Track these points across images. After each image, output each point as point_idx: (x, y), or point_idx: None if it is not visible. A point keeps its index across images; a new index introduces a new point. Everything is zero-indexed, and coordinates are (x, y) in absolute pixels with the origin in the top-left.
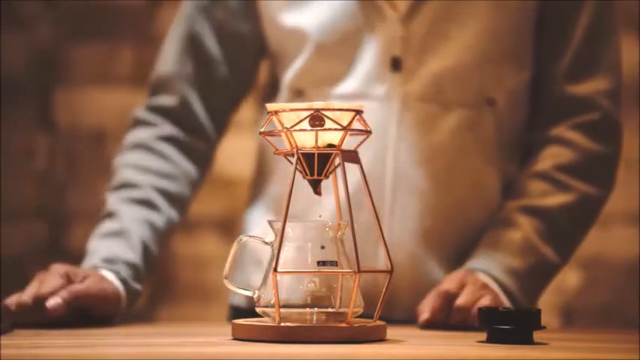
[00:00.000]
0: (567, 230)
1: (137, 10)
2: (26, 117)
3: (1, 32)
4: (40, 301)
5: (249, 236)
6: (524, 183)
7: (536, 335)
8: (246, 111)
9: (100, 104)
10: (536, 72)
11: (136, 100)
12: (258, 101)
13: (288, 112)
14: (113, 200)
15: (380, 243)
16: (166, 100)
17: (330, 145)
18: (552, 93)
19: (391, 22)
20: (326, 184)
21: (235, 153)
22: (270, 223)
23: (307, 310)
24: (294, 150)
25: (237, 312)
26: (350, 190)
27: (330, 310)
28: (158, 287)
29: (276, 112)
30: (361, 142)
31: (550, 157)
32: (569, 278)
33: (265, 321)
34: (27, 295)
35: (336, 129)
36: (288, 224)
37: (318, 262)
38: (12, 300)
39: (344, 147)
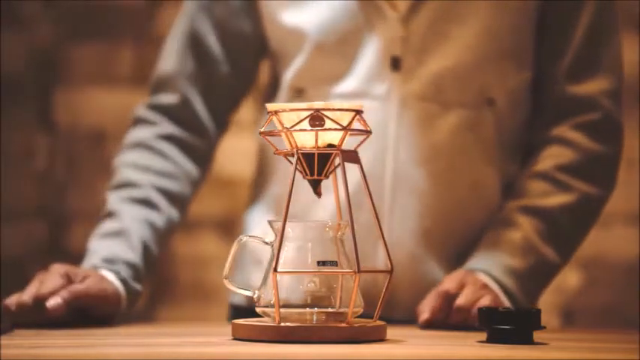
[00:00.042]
0: (568, 230)
1: (137, 10)
2: (26, 117)
3: (1, 32)
4: (40, 301)
5: (249, 236)
6: (524, 183)
7: (536, 335)
8: (246, 111)
9: (100, 104)
10: (537, 72)
11: (136, 100)
12: (258, 101)
13: (288, 112)
14: (113, 200)
15: (379, 243)
16: (167, 98)
17: (330, 145)
18: (553, 93)
19: (391, 21)
20: (326, 184)
21: (235, 153)
22: (270, 223)
23: (307, 310)
24: (294, 150)
25: (237, 311)
26: (350, 190)
27: (330, 310)
28: (158, 287)
29: (276, 112)
30: (361, 142)
31: (551, 157)
32: (569, 278)
33: (265, 321)
34: (27, 295)
35: (336, 129)
36: (288, 224)
37: (318, 262)
38: (12, 300)
39: (344, 147)
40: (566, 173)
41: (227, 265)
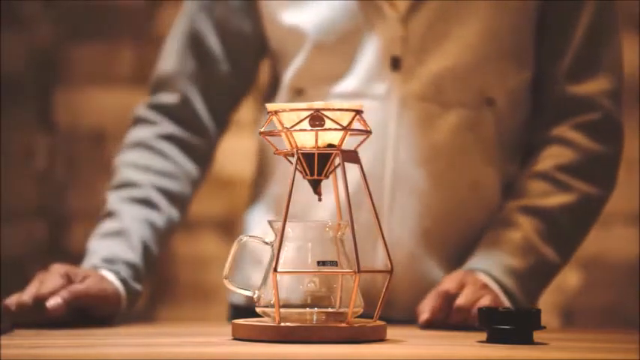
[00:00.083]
0: (568, 230)
1: (137, 10)
2: (26, 117)
3: (1, 32)
4: (40, 301)
5: (249, 236)
6: (524, 183)
7: (536, 335)
8: (246, 111)
9: (100, 104)
10: (537, 72)
11: (136, 100)
12: (258, 101)
13: (288, 112)
14: (113, 199)
15: (379, 243)
16: (167, 97)
17: (330, 145)
18: (553, 93)
19: (391, 21)
20: (326, 184)
21: (235, 153)
22: (270, 223)
23: (307, 310)
24: (294, 150)
25: (236, 310)
26: (349, 190)
27: (330, 310)
28: (158, 287)
29: (276, 112)
30: (361, 142)
31: (551, 157)
32: (569, 278)
33: (265, 321)
34: (27, 295)
35: (336, 129)
36: (288, 224)
37: (318, 262)
38: (12, 300)
39: (343, 147)
40: (566, 173)
41: (227, 265)
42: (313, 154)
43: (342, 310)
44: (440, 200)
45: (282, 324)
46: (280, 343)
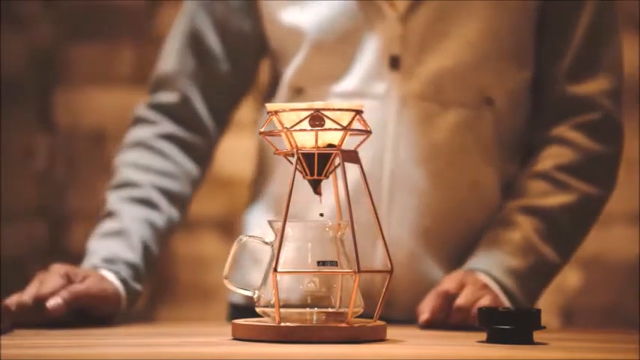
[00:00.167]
0: (568, 230)
1: (137, 10)
2: (26, 117)
3: (1, 32)
4: (40, 301)
5: (250, 236)
6: (524, 183)
7: (536, 335)
8: (246, 111)
9: (100, 104)
10: (536, 72)
11: (136, 100)
12: (258, 101)
13: (288, 112)
14: (113, 199)
15: (378, 242)
16: (167, 97)
17: (330, 145)
18: (553, 93)
19: (390, 21)
20: (325, 183)
21: (235, 153)
22: (270, 223)
23: (307, 310)
24: (294, 150)
25: (236, 310)
26: (343, 189)
27: (330, 310)
28: (158, 287)
29: (276, 112)
30: (361, 142)
31: (551, 157)
32: (569, 278)
33: (265, 321)
34: (27, 295)
35: (336, 129)
36: (288, 224)
37: (318, 262)
38: (12, 300)
39: (343, 146)
40: (566, 173)
41: (227, 265)
42: (313, 154)
43: (342, 310)
44: (439, 200)
45: (282, 324)
46: (280, 343)
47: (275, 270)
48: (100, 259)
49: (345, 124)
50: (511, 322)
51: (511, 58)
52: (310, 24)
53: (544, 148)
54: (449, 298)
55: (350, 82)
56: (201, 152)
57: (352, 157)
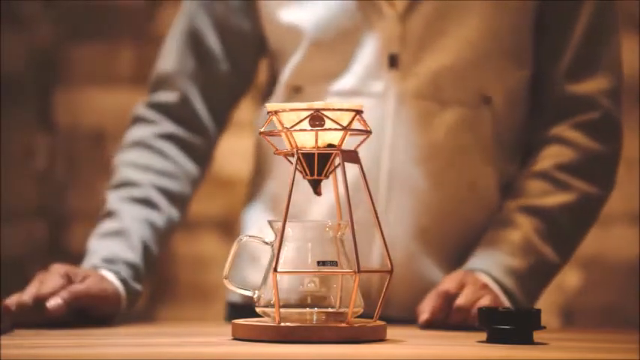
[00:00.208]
0: (567, 230)
1: (137, 10)
2: (26, 117)
3: (1, 32)
4: (40, 301)
5: (250, 236)
6: (524, 182)
7: (536, 335)
8: (245, 111)
9: (100, 104)
10: (536, 71)
11: (136, 100)
12: (257, 100)
13: (288, 112)
14: (113, 199)
15: (375, 242)
16: (166, 96)
17: (330, 145)
18: (552, 92)
19: (389, 19)
20: (323, 182)
21: (235, 153)
22: (270, 223)
23: (307, 310)
24: (294, 150)
25: (233, 308)
26: (343, 189)
27: (330, 310)
28: (158, 287)
29: (276, 112)
30: (361, 142)
31: (550, 157)
32: (569, 278)
33: (265, 321)
34: (27, 295)
35: (336, 129)
36: (288, 224)
37: (318, 262)
38: (12, 300)
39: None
40: (565, 173)
41: (227, 265)
42: (313, 154)
43: (342, 310)
44: (437, 199)
45: (282, 324)
46: (280, 343)
47: (275, 270)
48: (100, 259)
49: (345, 124)
50: (511, 322)
51: (510, 57)
52: (309, 23)
53: (543, 147)
54: (449, 298)
55: (348, 80)
56: (201, 152)
57: (352, 157)
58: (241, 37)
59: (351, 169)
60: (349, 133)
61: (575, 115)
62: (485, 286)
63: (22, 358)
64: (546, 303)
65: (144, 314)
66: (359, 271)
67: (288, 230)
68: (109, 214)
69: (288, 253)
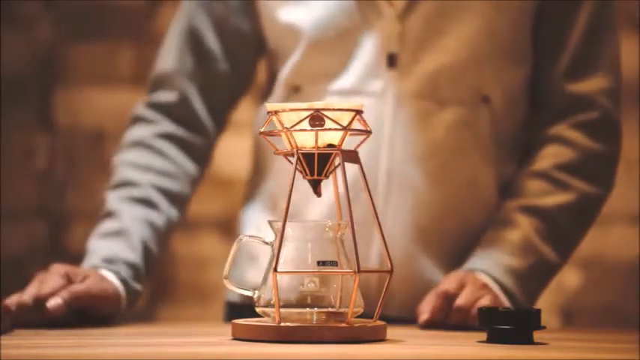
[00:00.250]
0: (567, 230)
1: (137, 10)
2: (26, 117)
3: (1, 32)
4: (40, 301)
5: (249, 236)
6: (523, 182)
7: (536, 335)
8: (244, 111)
9: (100, 104)
10: (535, 70)
11: (136, 100)
12: (256, 100)
13: (288, 112)
14: (113, 199)
15: (373, 241)
16: (166, 96)
17: (330, 145)
18: (551, 92)
19: (388, 19)
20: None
21: (234, 153)
22: (270, 223)
23: (307, 310)
24: (294, 150)
25: (232, 308)
26: (343, 189)
27: (330, 310)
28: (158, 287)
29: (276, 112)
30: (361, 142)
31: (549, 156)
32: (569, 278)
33: (265, 321)
34: (27, 295)
35: (336, 129)
36: (288, 224)
37: (318, 262)
38: (12, 300)
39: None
40: (564, 172)
41: (227, 265)
42: (313, 154)
43: (342, 310)
44: (436, 198)
45: (282, 324)
46: (280, 343)
47: (275, 270)
48: (100, 259)
49: (344, 124)
50: (511, 322)
51: (509, 57)
52: (308, 22)
53: (542, 147)
54: (449, 298)
55: (347, 79)
56: (200, 152)
57: (352, 157)
58: (240, 37)
59: (350, 168)
60: (349, 133)
61: (574, 115)
62: (485, 286)
63: (22, 358)
64: (546, 303)
65: (144, 314)
66: (359, 271)
67: (288, 230)
68: (109, 214)
69: (288, 253)
